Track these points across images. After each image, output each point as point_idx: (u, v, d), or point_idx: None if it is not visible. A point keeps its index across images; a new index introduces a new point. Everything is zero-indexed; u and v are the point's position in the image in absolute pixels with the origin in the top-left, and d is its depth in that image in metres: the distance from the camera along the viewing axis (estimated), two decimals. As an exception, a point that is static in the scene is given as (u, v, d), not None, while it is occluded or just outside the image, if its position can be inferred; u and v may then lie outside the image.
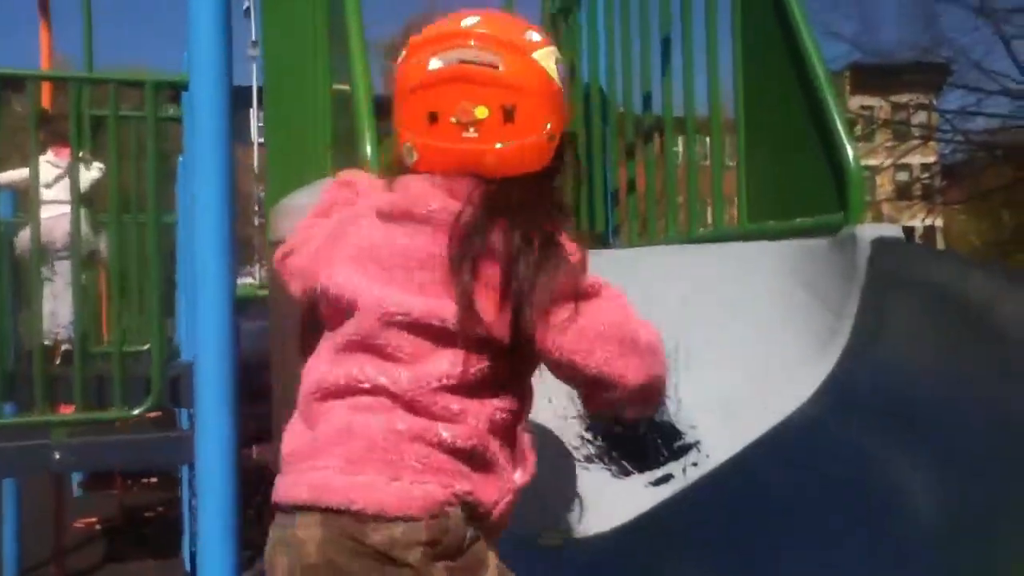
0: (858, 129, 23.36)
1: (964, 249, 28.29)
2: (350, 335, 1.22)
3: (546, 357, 1.23)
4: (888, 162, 20.64)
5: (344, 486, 1.15)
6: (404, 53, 1.29)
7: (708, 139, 2.94)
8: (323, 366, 1.25)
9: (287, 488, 1.20)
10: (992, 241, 24.55)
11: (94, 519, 7.83)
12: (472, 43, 1.24)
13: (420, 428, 1.17)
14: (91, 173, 4.85)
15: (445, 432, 1.17)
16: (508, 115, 1.24)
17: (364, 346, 1.21)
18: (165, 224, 4.96)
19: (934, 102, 20.06)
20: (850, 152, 2.35)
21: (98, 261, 5.07)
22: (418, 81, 1.26)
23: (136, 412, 3.46)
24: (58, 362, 4.53)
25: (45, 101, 5.50)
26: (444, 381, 1.18)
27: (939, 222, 29.52)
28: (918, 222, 26.59)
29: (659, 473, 1.98)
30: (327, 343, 1.27)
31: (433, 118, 1.24)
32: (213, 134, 3.38)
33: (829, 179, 2.41)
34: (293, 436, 1.25)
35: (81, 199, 4.97)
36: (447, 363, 1.19)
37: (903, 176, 25.66)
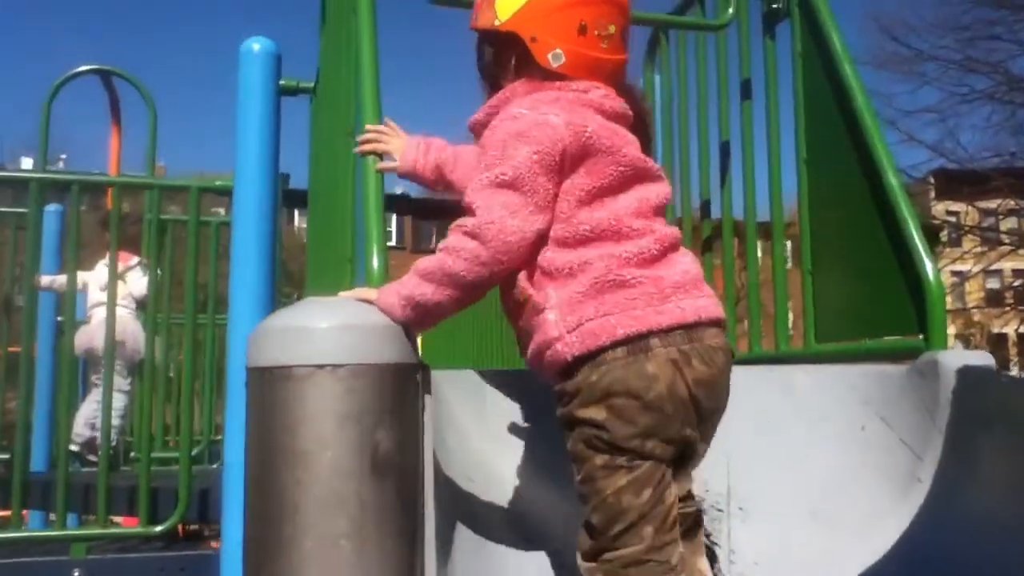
0: (944, 235, 22.68)
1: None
2: (658, 202, 1.57)
3: None
4: (977, 268, 19.86)
5: (715, 306, 1.53)
6: None
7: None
8: (656, 225, 1.53)
9: (687, 311, 1.47)
10: (1094, 351, 23.21)
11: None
12: None
13: None
14: (148, 278, 4.84)
15: None
16: (623, 34, 1.61)
17: (662, 210, 1.59)
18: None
19: (1024, 208, 19.38)
20: (929, 267, 2.08)
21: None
22: None
23: (159, 530, 3.28)
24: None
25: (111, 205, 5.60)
26: None
27: (1035, 330, 28.15)
28: (1011, 330, 25.41)
29: (706, 642, 1.69)
30: (634, 206, 1.52)
31: (583, 30, 1.55)
32: (253, 238, 3.32)
33: (906, 297, 2.15)
34: (664, 272, 1.49)
35: (138, 304, 4.99)
36: None
37: (994, 283, 24.68)
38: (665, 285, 1.47)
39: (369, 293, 1.48)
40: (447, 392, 1.95)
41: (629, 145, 1.55)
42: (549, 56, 1.54)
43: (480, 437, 1.95)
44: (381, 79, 2.04)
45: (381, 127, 1.86)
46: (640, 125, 1.63)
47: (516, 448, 1.97)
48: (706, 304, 1.50)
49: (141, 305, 4.92)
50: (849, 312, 2.40)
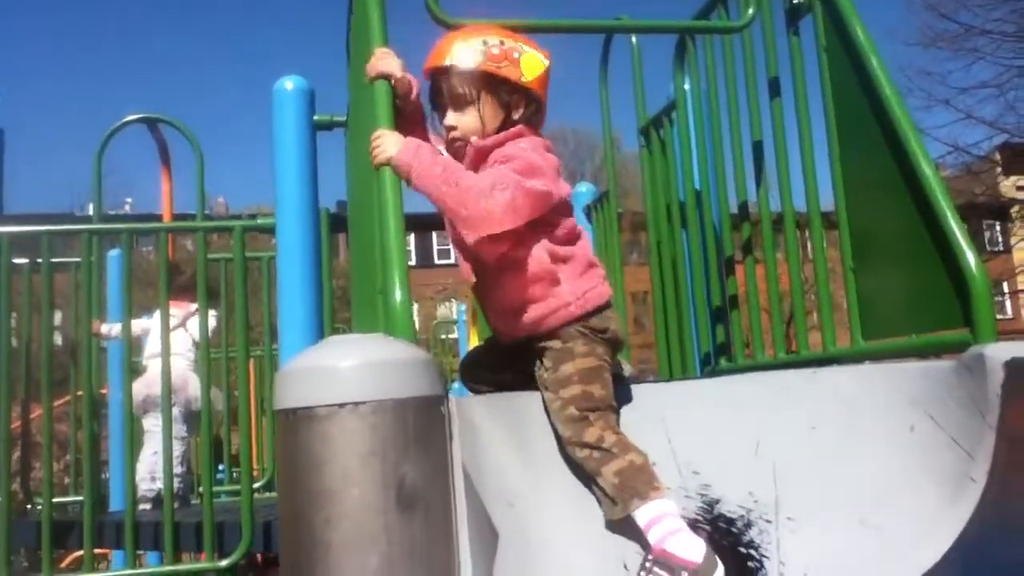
0: (1015, 211, 21.91)
1: None
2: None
3: None
4: (1053, 243, 19.13)
5: None
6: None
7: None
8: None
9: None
10: None
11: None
12: None
13: None
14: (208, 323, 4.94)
15: None
16: None
17: None
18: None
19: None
20: (970, 257, 2.02)
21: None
22: None
23: (225, 564, 3.34)
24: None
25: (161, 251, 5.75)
26: None
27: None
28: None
29: (757, 658, 1.66)
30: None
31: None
32: (298, 271, 3.38)
33: (950, 289, 2.08)
34: (593, 274, 2.01)
35: (196, 347, 5.10)
36: None
37: (1072, 258, 23.75)
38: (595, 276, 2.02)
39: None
40: (483, 418, 1.95)
41: None
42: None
43: (519, 462, 1.94)
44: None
45: (386, 50, 2.05)
46: None
47: (556, 471, 1.96)
48: None
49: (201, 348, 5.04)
50: (895, 308, 2.34)
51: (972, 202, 20.42)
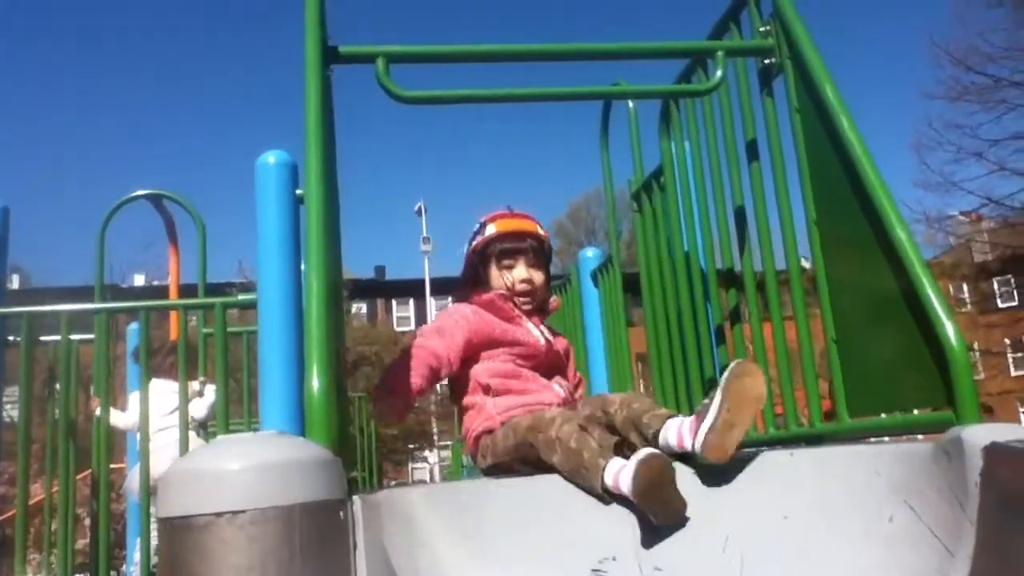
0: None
1: None
2: None
3: None
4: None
5: None
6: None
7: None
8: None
9: None
10: None
11: None
12: None
13: None
14: (207, 398, 4.87)
15: None
16: None
17: None
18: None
19: None
20: (950, 329, 1.86)
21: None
22: None
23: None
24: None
25: (173, 329, 5.71)
26: None
27: None
28: None
29: None
30: None
31: None
32: (278, 346, 3.30)
33: (933, 365, 1.92)
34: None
35: (200, 424, 5.01)
36: None
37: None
38: None
39: None
40: (424, 513, 1.82)
41: None
42: None
43: (466, 554, 1.81)
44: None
45: None
46: None
47: (508, 569, 1.82)
48: None
49: (202, 426, 4.95)
50: (881, 383, 2.18)
51: (1015, 255, 19.92)
